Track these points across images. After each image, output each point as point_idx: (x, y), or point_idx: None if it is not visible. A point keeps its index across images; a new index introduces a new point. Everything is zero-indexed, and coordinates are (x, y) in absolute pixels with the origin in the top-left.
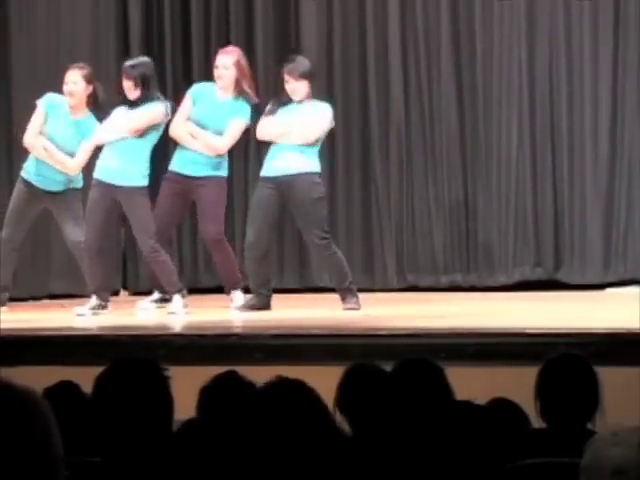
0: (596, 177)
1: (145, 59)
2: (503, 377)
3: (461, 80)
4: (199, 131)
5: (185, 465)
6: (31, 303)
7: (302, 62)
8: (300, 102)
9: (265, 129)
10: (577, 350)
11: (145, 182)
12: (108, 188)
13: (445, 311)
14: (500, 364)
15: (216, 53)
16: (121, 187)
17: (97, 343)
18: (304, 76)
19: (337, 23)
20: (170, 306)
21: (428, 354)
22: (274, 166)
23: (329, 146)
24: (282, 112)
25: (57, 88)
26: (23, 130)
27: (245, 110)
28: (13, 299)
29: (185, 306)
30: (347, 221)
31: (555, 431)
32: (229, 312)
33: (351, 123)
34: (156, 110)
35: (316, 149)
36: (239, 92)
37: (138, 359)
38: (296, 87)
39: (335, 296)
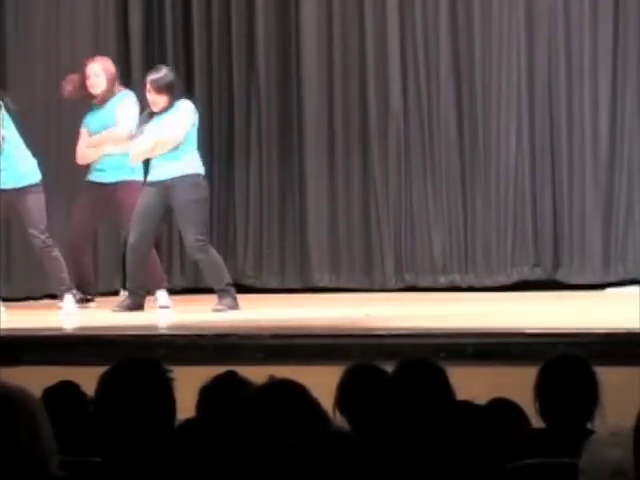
0: (595, 177)
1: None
2: (503, 377)
3: (460, 80)
4: (96, 137)
5: (186, 466)
6: (30, 303)
7: (164, 75)
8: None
9: (138, 150)
10: (577, 350)
11: (38, 178)
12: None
13: (445, 311)
14: (500, 364)
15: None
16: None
17: (97, 343)
18: (164, 89)
19: (337, 25)
20: (63, 305)
21: (428, 354)
22: (157, 171)
23: (328, 147)
24: (151, 125)
25: (57, 88)
26: None
27: (125, 95)
28: (12, 299)
29: (81, 302)
30: (346, 221)
31: (555, 431)
32: (229, 312)
33: (350, 125)
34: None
35: (194, 150)
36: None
37: (143, 359)
38: (156, 99)
39: (335, 296)
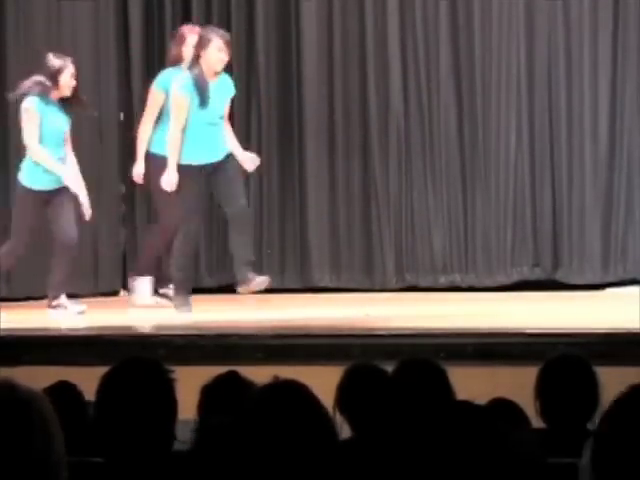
0: (595, 177)
1: None
2: (503, 377)
3: (460, 79)
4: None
5: (187, 466)
6: (30, 303)
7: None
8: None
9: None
10: (577, 350)
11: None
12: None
13: (445, 311)
14: (500, 364)
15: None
16: None
17: (97, 343)
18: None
19: (337, 23)
20: (67, 306)
21: (428, 354)
22: (203, 154)
23: (329, 146)
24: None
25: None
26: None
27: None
28: (11, 299)
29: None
30: (347, 221)
31: (555, 431)
32: (229, 312)
33: (351, 124)
34: None
35: None
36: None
37: (144, 359)
38: (227, 60)
39: (335, 296)
